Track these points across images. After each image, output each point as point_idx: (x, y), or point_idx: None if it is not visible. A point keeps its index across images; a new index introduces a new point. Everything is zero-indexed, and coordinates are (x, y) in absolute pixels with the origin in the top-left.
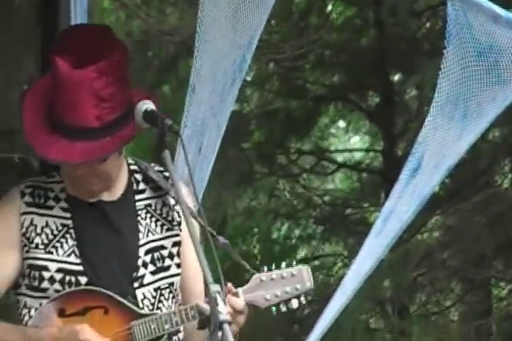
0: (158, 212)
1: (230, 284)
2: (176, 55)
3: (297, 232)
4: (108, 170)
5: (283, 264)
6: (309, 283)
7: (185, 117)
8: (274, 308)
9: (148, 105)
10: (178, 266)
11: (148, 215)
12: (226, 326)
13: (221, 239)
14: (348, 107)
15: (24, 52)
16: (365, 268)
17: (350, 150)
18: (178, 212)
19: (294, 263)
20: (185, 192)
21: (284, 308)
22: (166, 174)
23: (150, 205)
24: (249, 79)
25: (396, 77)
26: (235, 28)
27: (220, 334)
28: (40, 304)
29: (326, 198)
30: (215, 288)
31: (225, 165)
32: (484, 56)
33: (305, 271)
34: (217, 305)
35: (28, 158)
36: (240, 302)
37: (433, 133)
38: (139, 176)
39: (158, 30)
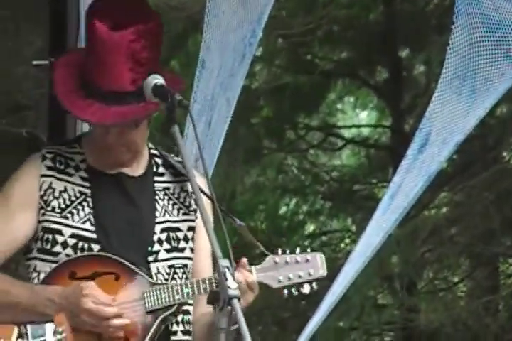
0: (176, 196)
1: (245, 259)
2: (185, 30)
3: (305, 208)
4: (137, 140)
5: (297, 249)
6: (323, 270)
7: (195, 92)
8: (285, 291)
9: (158, 80)
10: (192, 250)
11: (166, 197)
12: (235, 301)
13: (238, 221)
14: (356, 83)
15: (32, 29)
16: (372, 244)
17: (358, 126)
18: (195, 200)
19: (309, 250)
20: (197, 175)
21: (295, 292)
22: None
23: (168, 188)
24: (258, 54)
25: (404, 53)
26: (244, 3)
27: (229, 308)
28: (50, 268)
29: (334, 174)
30: (224, 263)
31: (233, 141)
32: (493, 31)
33: (319, 257)
34: (226, 280)
35: (36, 132)
36: (252, 276)
37: (441, 109)
38: (159, 160)
39: (165, 3)
